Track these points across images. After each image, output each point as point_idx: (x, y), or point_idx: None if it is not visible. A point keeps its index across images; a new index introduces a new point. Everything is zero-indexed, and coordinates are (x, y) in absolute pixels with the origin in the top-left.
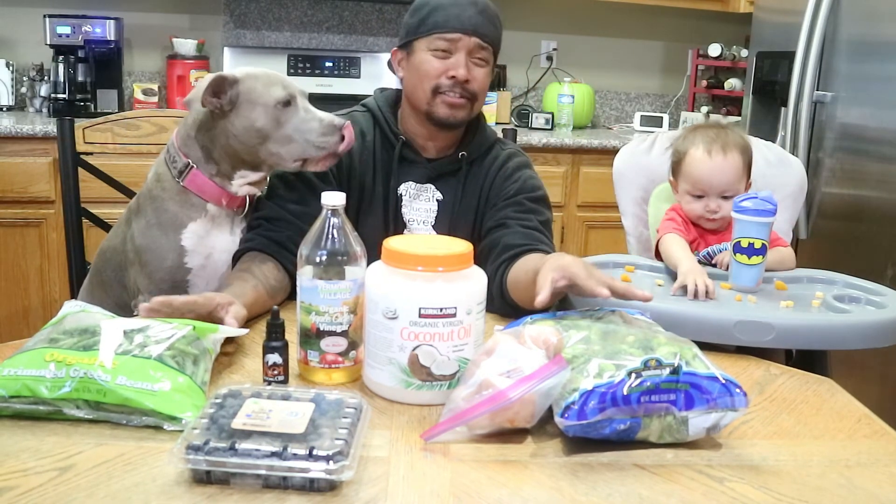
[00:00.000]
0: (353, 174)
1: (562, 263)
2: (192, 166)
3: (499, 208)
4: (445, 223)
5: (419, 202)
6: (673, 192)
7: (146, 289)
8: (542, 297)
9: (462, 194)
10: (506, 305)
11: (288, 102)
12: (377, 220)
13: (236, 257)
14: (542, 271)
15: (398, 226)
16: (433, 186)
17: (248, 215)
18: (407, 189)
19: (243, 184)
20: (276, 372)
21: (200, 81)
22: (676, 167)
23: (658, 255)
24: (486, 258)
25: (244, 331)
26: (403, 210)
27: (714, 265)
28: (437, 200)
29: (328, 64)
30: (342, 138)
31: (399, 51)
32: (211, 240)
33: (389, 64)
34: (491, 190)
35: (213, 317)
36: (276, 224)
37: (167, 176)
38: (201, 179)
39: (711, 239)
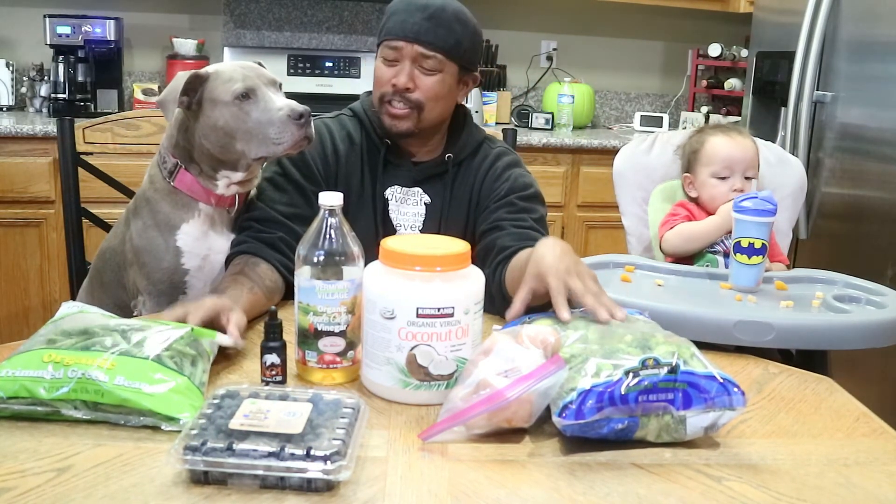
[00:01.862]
0: (340, 177)
1: (541, 270)
2: (181, 166)
3: (491, 210)
4: (434, 227)
5: (406, 206)
6: (688, 189)
7: (145, 289)
8: (511, 313)
9: (450, 197)
10: (507, 305)
11: (246, 95)
12: (367, 224)
13: (228, 260)
14: (525, 278)
15: (387, 230)
16: (420, 190)
17: (241, 215)
18: (393, 193)
19: (228, 184)
20: (273, 372)
21: (173, 81)
22: (694, 158)
23: (669, 255)
24: (483, 261)
25: (242, 343)
26: (391, 214)
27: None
28: (425, 204)
29: (328, 64)
30: (300, 127)
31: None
32: (207, 241)
33: None
34: (481, 192)
35: (216, 323)
36: (266, 225)
37: (158, 177)
38: (189, 179)
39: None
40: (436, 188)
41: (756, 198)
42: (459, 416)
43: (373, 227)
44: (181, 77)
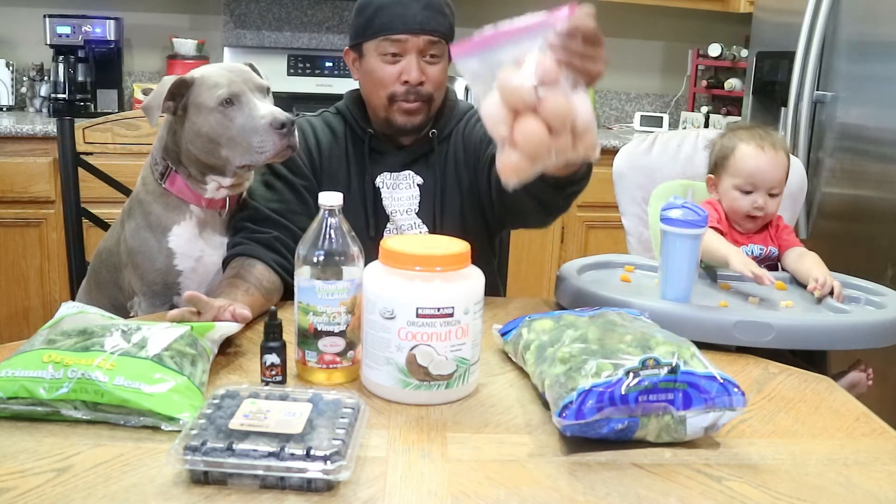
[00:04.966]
0: (325, 170)
1: None
2: (172, 168)
3: (482, 161)
4: (429, 207)
5: (399, 191)
6: (710, 189)
7: (139, 290)
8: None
9: (441, 173)
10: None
11: (231, 101)
12: (356, 217)
13: (225, 263)
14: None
15: (379, 220)
16: (412, 172)
17: (234, 216)
18: (383, 180)
19: (218, 188)
20: (273, 372)
21: (158, 85)
22: (721, 163)
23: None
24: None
25: (238, 326)
26: (384, 202)
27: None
28: (419, 185)
29: (328, 64)
30: (283, 137)
31: (351, 51)
32: (200, 242)
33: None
34: (465, 153)
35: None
36: (260, 225)
37: (150, 179)
38: (180, 181)
39: (741, 240)
40: (427, 167)
41: (685, 207)
42: (494, 38)
43: (365, 218)
44: (166, 82)
